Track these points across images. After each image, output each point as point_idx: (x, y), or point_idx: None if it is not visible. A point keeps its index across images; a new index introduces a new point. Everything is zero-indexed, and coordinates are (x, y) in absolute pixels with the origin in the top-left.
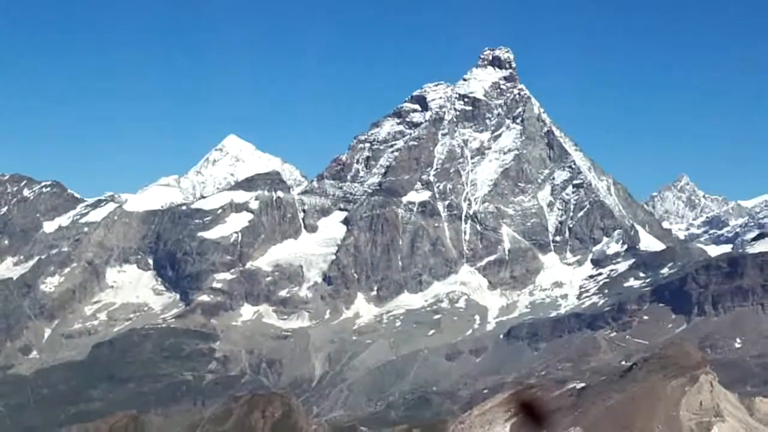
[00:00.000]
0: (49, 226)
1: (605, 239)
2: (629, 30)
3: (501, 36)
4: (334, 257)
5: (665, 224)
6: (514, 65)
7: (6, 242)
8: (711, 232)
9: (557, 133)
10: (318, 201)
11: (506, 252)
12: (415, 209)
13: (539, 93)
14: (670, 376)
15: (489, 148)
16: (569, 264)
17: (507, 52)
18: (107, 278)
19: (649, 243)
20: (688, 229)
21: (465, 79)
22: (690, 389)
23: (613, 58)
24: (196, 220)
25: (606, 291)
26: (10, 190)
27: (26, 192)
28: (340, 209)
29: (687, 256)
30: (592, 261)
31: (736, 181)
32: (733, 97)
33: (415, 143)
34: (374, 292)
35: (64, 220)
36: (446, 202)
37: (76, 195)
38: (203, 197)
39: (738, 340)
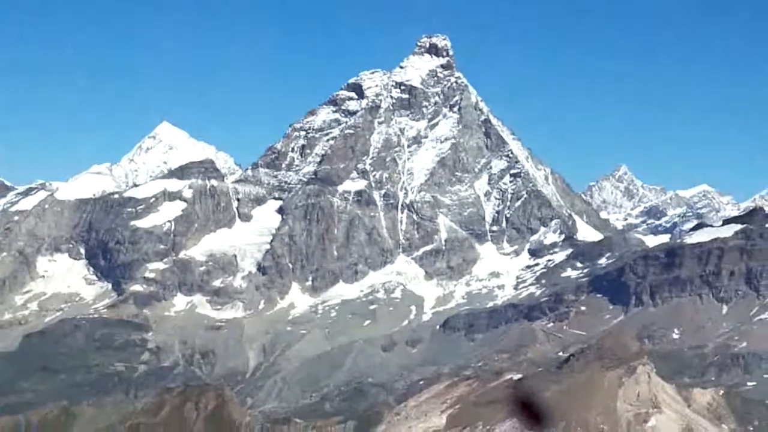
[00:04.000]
0: None
1: (542, 229)
2: (566, 19)
3: (438, 23)
4: (268, 247)
5: (603, 214)
6: (451, 53)
7: None
8: (649, 222)
9: (494, 122)
10: (252, 190)
11: (443, 242)
12: (350, 198)
13: (476, 82)
14: (608, 368)
15: (425, 137)
16: (506, 254)
17: (444, 39)
18: (38, 268)
19: (586, 233)
20: (626, 219)
21: (401, 67)
22: (627, 380)
23: (551, 47)
24: (129, 209)
25: (543, 281)
26: None
27: None
28: (275, 198)
29: (625, 246)
30: (529, 251)
31: (674, 171)
32: (671, 86)
33: (351, 131)
34: (309, 283)
35: None
36: (382, 192)
37: (6, 183)
38: (136, 185)
39: (676, 331)
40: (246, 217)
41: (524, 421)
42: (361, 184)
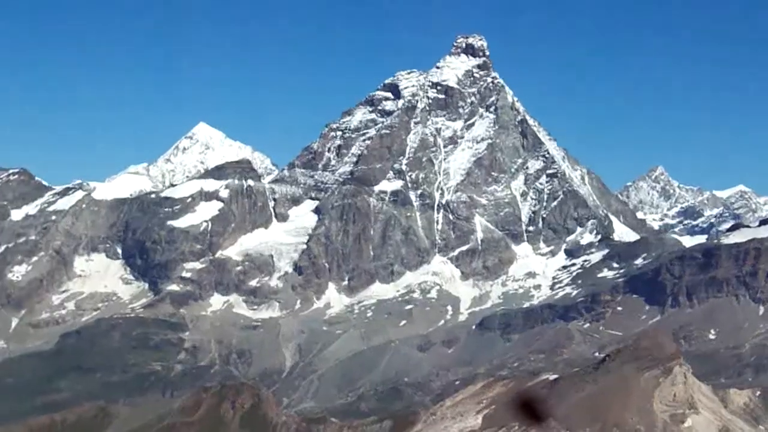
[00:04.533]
0: (16, 215)
1: (579, 229)
2: (603, 20)
3: (475, 23)
4: (304, 247)
5: (639, 214)
6: (487, 53)
7: None
8: (686, 222)
9: (531, 122)
10: (289, 190)
11: (479, 242)
12: (387, 198)
13: (513, 82)
14: (644, 368)
15: (462, 137)
16: (542, 254)
17: (480, 39)
18: (75, 267)
19: (623, 233)
20: (662, 219)
21: (438, 67)
22: (664, 381)
23: (588, 47)
24: (166, 209)
25: (579, 281)
26: None
27: None
28: (311, 198)
29: (661, 246)
30: (566, 251)
31: (711, 172)
32: (708, 88)
33: (387, 132)
34: (345, 282)
35: (31, 208)
36: (418, 192)
37: (44, 183)
38: (172, 185)
39: (712, 332)
40: (282, 217)
41: (525, 421)
42: (397, 184)
